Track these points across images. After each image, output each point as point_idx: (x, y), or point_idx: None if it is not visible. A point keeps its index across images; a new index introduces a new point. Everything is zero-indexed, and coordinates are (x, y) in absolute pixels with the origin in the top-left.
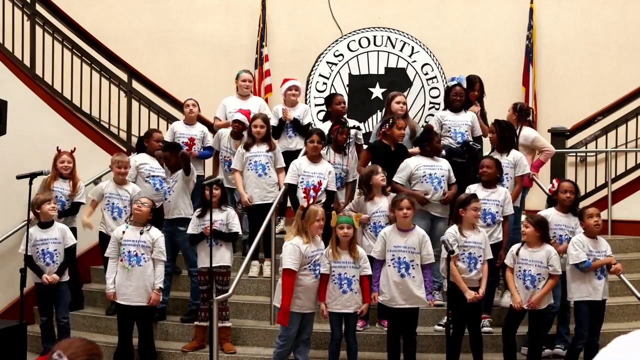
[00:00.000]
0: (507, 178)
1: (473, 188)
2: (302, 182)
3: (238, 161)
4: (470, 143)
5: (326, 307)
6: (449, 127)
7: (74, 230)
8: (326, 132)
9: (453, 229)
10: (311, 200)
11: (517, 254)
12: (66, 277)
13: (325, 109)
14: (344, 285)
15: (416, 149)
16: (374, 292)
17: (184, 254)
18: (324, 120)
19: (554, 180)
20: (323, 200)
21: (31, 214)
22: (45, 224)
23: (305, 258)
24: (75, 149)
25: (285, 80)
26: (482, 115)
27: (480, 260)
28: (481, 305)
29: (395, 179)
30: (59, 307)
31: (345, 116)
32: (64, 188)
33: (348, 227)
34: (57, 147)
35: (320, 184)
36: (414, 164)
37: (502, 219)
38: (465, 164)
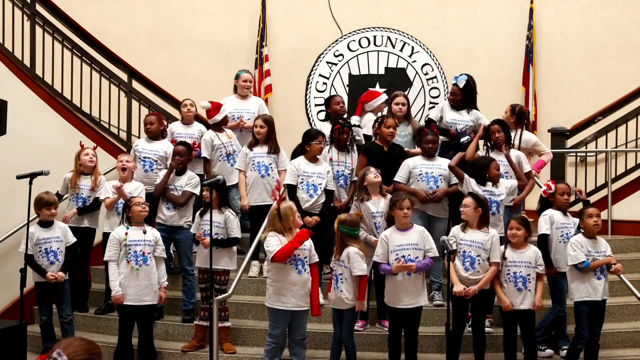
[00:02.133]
0: (507, 176)
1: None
2: (302, 182)
3: (242, 161)
4: (462, 141)
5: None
6: (449, 125)
7: (90, 231)
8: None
9: (457, 226)
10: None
11: (503, 256)
12: (67, 276)
13: (325, 110)
14: (337, 282)
15: (414, 150)
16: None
17: (182, 253)
18: (325, 120)
19: (550, 182)
20: (322, 201)
21: (32, 213)
22: (46, 223)
23: None
24: (97, 146)
25: (376, 94)
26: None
27: (479, 261)
28: (485, 305)
29: (397, 178)
30: (62, 305)
31: (344, 115)
32: (86, 185)
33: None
34: (80, 142)
35: (278, 182)
36: (412, 163)
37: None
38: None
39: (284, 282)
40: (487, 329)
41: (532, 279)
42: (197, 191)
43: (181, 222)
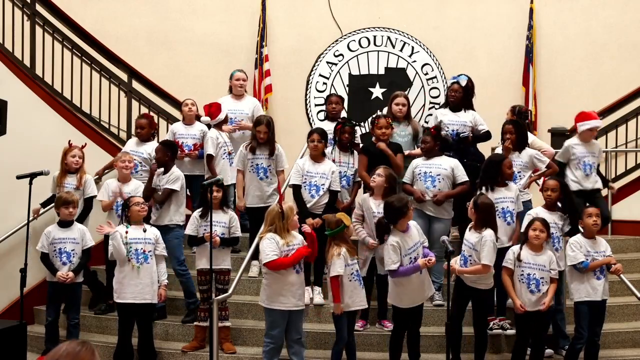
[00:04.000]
0: (520, 176)
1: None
2: (305, 182)
3: (240, 161)
4: (461, 135)
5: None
6: (446, 126)
7: None
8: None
9: (469, 227)
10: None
11: (518, 257)
12: (81, 278)
13: (325, 110)
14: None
15: (414, 151)
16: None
17: (170, 254)
18: (325, 119)
19: (543, 177)
20: (325, 201)
21: (32, 213)
22: (65, 223)
23: (282, 253)
24: (85, 144)
25: (587, 116)
26: None
27: (470, 261)
28: (485, 304)
29: (404, 179)
30: (72, 308)
31: (344, 115)
32: (71, 183)
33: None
34: (69, 141)
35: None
36: (415, 163)
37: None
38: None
39: (284, 283)
40: (508, 332)
41: (546, 282)
42: (176, 187)
43: (165, 221)
